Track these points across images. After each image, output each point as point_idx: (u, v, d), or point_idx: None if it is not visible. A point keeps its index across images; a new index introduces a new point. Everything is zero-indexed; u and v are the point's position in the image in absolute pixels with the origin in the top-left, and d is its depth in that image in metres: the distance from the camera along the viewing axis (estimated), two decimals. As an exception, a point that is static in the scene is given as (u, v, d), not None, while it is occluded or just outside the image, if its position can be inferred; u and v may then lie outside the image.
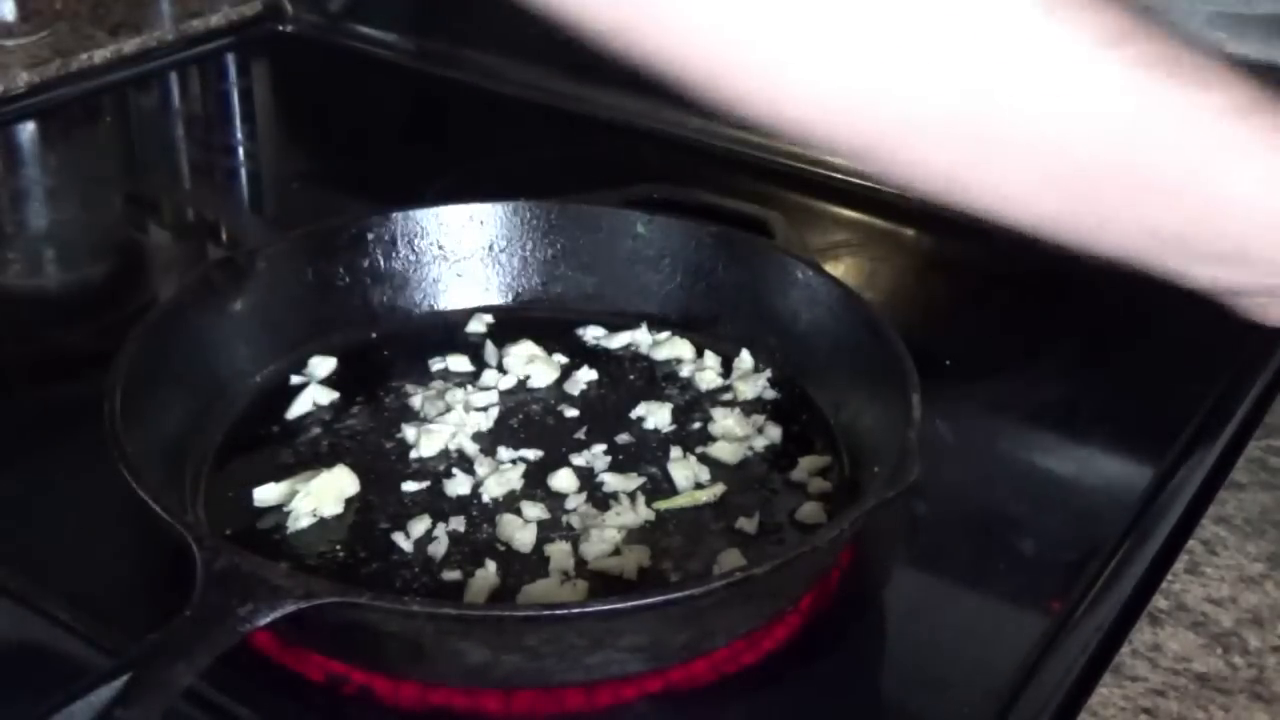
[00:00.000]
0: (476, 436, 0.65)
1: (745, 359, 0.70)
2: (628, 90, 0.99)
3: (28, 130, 1.02)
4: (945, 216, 0.88)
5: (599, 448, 0.64)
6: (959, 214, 0.87)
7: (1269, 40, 0.79)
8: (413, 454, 0.63)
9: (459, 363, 0.70)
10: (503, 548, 0.58)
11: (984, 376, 0.72)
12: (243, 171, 1.03)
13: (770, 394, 0.68)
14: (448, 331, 0.73)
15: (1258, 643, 0.52)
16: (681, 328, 0.72)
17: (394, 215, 0.73)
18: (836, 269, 0.82)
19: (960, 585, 0.60)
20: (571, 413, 0.67)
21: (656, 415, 0.66)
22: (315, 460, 0.63)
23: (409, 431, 0.65)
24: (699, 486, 0.62)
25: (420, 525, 0.59)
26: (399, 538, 0.58)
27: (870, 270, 0.89)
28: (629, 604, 0.49)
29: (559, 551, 0.58)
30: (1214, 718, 0.48)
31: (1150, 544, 0.59)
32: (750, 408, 0.67)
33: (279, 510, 0.59)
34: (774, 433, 0.65)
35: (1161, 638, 0.52)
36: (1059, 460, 0.68)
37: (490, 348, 0.71)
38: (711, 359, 0.70)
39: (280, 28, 1.16)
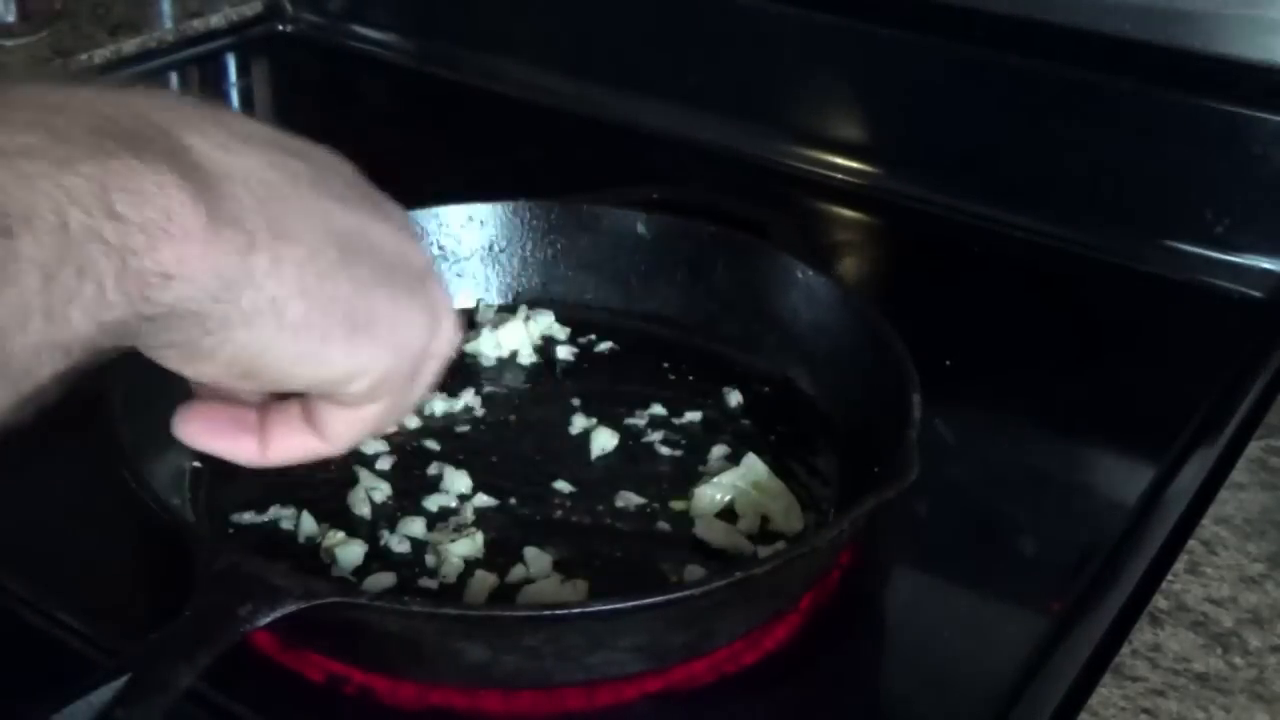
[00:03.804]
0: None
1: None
2: (628, 90, 0.99)
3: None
4: (946, 217, 0.89)
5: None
6: (959, 215, 0.88)
7: (1272, 41, 0.79)
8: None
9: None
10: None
11: (984, 376, 0.72)
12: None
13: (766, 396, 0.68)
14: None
15: (1258, 643, 0.52)
16: (681, 328, 0.72)
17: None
18: (836, 269, 0.82)
19: (960, 585, 0.60)
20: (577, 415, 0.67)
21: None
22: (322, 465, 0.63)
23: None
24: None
25: (419, 525, 0.59)
26: (396, 538, 0.58)
27: (870, 270, 0.89)
28: (629, 604, 0.49)
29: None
30: (1214, 718, 0.48)
31: (1150, 544, 0.59)
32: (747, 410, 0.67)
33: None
34: (774, 432, 0.65)
35: (1161, 638, 0.52)
36: (1059, 460, 0.68)
37: (486, 334, 0.71)
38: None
39: (280, 28, 1.16)
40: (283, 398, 0.43)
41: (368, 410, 0.41)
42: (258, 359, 0.37)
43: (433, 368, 0.43)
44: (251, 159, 0.36)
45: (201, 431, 0.43)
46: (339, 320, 0.38)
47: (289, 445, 0.43)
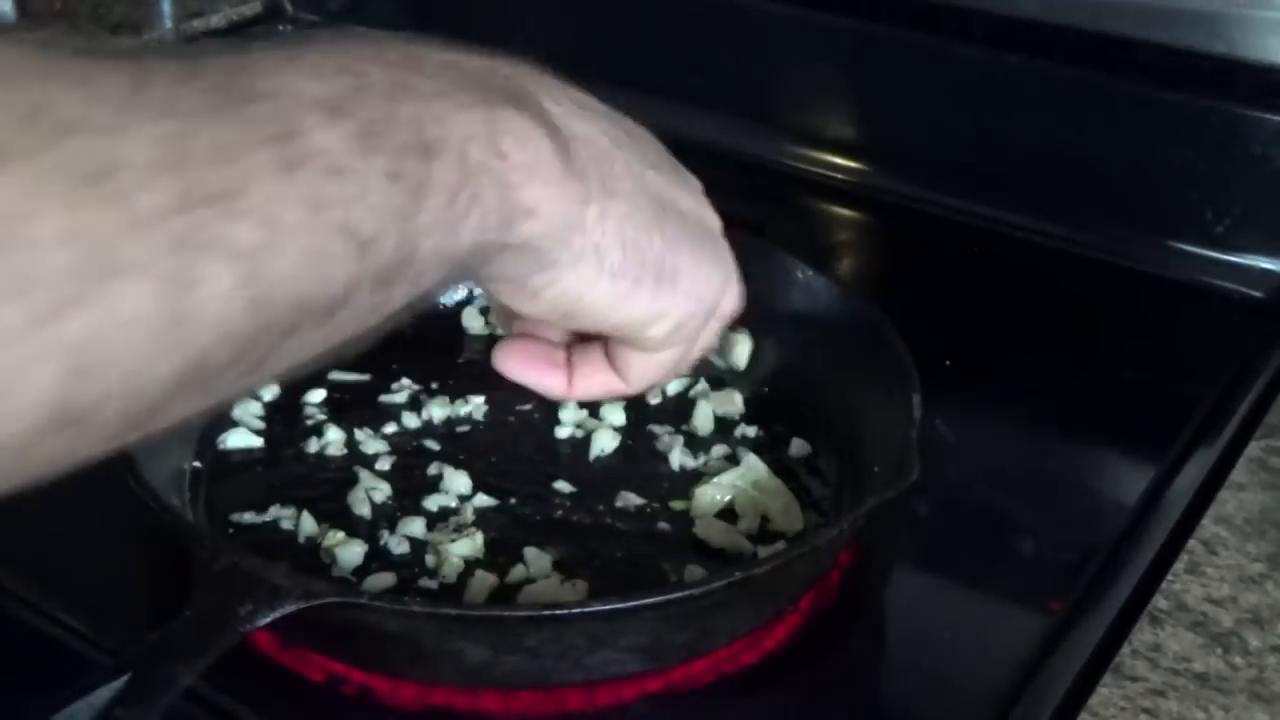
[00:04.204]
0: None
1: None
2: (627, 90, 0.99)
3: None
4: (946, 217, 0.89)
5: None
6: (959, 215, 0.88)
7: (1272, 41, 0.79)
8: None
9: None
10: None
11: (984, 376, 0.72)
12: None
13: (762, 397, 0.68)
14: (450, 333, 0.73)
15: (1258, 643, 0.52)
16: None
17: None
18: (836, 269, 0.82)
19: (960, 585, 0.60)
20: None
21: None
22: (322, 465, 0.63)
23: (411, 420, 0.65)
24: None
25: (419, 525, 0.59)
26: (396, 538, 0.58)
27: (870, 270, 0.89)
28: (629, 604, 0.49)
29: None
30: (1214, 718, 0.48)
31: (1150, 544, 0.59)
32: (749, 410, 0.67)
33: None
34: (774, 432, 0.65)
35: (1161, 638, 0.52)
36: (1059, 460, 0.68)
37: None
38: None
39: (280, 28, 1.16)
40: (587, 341, 0.49)
41: (663, 355, 0.47)
42: (578, 300, 0.42)
43: (716, 325, 0.48)
44: (589, 125, 0.43)
45: (518, 364, 0.48)
46: (649, 269, 0.43)
47: (592, 383, 0.48)
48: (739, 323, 0.68)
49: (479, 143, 0.37)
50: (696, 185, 0.48)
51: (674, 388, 0.68)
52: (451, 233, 0.36)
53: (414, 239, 0.35)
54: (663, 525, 0.60)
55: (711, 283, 0.46)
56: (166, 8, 1.13)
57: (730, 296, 0.48)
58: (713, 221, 0.48)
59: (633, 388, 0.48)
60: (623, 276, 0.42)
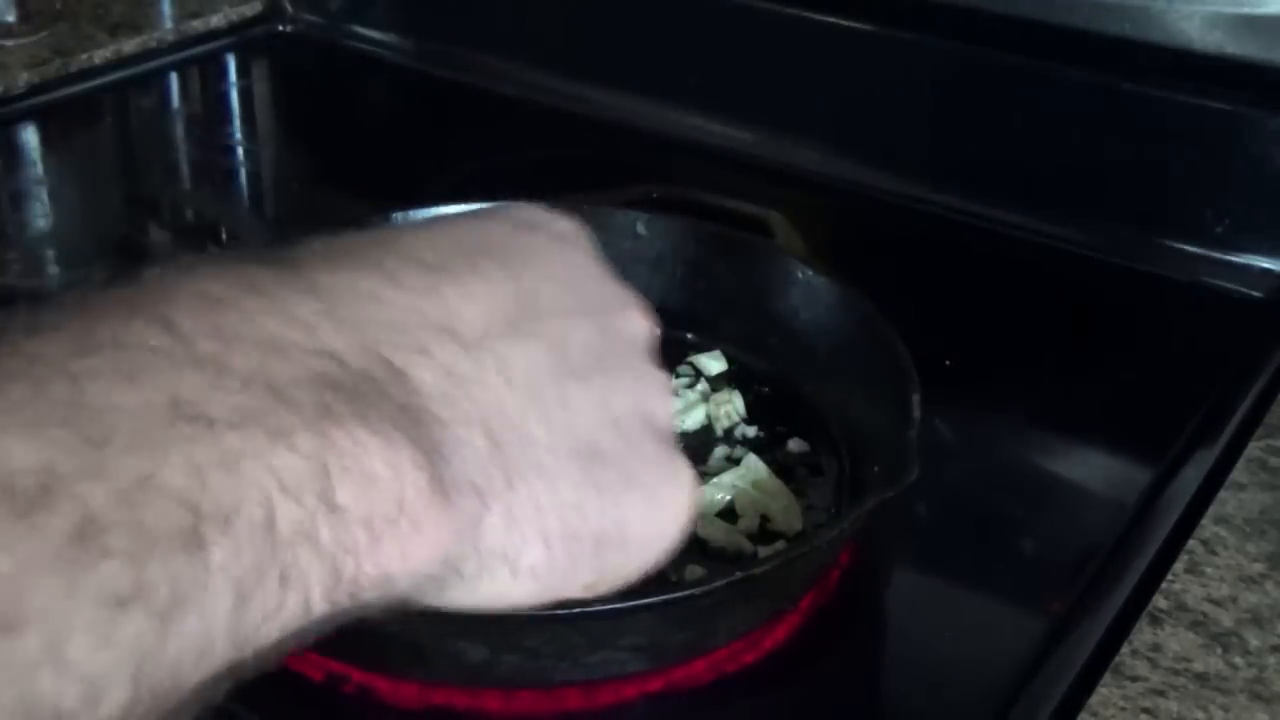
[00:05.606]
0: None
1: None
2: (628, 90, 0.99)
3: (28, 130, 1.02)
4: (945, 216, 0.89)
5: None
6: (959, 214, 0.88)
7: (1272, 41, 0.79)
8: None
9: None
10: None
11: (984, 376, 0.72)
12: (243, 171, 1.03)
13: (763, 396, 0.68)
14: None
15: (1258, 643, 0.52)
16: (681, 328, 0.72)
17: (394, 215, 0.73)
18: (837, 269, 0.82)
19: (960, 585, 0.60)
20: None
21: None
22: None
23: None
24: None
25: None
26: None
27: (870, 271, 0.89)
28: (629, 604, 0.49)
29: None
30: (1214, 718, 0.48)
31: (1150, 544, 0.59)
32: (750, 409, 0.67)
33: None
34: (774, 432, 0.65)
35: (1161, 638, 0.52)
36: (1059, 460, 0.68)
37: None
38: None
39: (280, 28, 1.16)
40: None
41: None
42: (500, 602, 0.32)
43: None
44: (485, 379, 0.31)
45: None
46: (585, 546, 0.33)
47: None
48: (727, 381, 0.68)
49: (299, 494, 0.25)
50: (634, 336, 0.37)
51: (673, 387, 0.69)
52: (244, 643, 0.25)
53: (162, 676, 0.23)
54: (663, 525, 0.60)
55: (668, 512, 0.36)
56: (166, 8, 1.13)
57: (690, 504, 0.37)
58: (659, 408, 0.36)
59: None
60: (550, 572, 0.32)
